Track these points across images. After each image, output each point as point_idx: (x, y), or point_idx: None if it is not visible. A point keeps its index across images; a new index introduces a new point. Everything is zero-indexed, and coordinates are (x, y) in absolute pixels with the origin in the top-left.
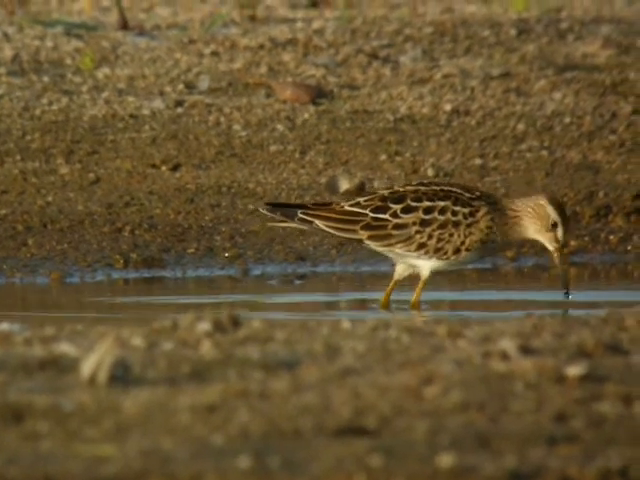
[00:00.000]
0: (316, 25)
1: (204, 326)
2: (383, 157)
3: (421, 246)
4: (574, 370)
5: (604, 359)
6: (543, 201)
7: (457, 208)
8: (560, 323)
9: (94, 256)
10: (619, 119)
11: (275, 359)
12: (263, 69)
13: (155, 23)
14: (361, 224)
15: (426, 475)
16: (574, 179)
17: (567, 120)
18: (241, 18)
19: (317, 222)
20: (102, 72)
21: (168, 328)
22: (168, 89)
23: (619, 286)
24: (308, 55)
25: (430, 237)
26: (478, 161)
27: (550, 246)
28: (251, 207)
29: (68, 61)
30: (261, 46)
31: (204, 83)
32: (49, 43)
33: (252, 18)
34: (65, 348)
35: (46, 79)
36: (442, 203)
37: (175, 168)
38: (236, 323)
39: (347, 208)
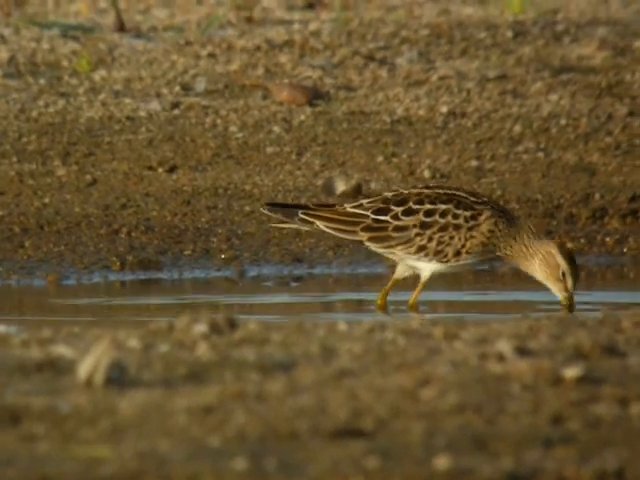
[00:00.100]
0: (312, 27)
1: (200, 328)
2: (380, 159)
3: (421, 248)
4: (571, 372)
5: (601, 361)
6: (554, 250)
7: (459, 211)
8: (557, 325)
9: (91, 258)
10: (615, 121)
11: (271, 361)
12: (260, 71)
13: (152, 25)
14: (362, 225)
15: (423, 477)
16: (570, 181)
17: (563, 122)
18: (238, 20)
19: (318, 223)
20: (99, 74)
21: (164, 330)
22: (165, 91)
23: (615, 288)
24: (304, 57)
25: (430, 240)
26: (474, 163)
27: (559, 294)
28: (247, 209)
29: (65, 63)
30: (258, 48)
31: (201, 85)
32: (45, 45)
33: (249, 20)
34: (62, 350)
35: (43, 81)
36: (443, 206)
37: (172, 170)
38: (232, 325)
39: (349, 209)
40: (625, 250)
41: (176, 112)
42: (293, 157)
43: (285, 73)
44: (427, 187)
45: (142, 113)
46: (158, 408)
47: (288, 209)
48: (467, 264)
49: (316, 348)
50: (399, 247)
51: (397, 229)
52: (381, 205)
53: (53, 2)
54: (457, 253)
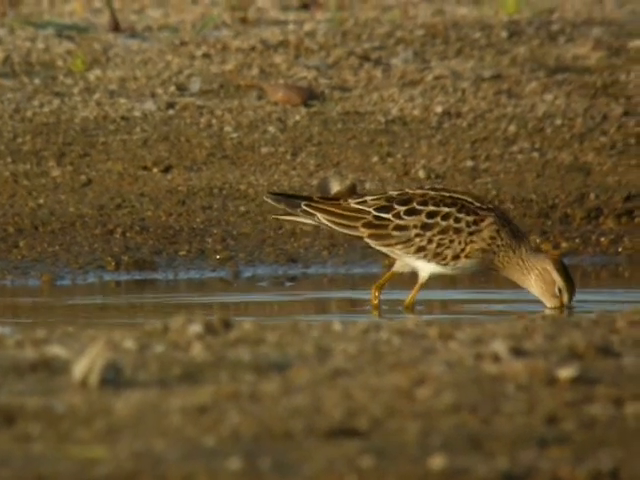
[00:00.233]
0: (307, 27)
1: (195, 328)
2: (374, 159)
3: (420, 249)
4: (565, 372)
5: (595, 361)
6: (549, 266)
7: (461, 215)
8: (551, 325)
9: (85, 258)
10: (610, 121)
11: (266, 361)
12: (254, 71)
13: (146, 25)
14: (363, 222)
15: (418, 477)
16: (565, 181)
17: (558, 122)
18: (232, 20)
19: (319, 215)
20: (93, 74)
21: (159, 330)
22: (159, 91)
23: (610, 288)
24: (299, 57)
25: (430, 241)
26: (469, 163)
27: (554, 310)
28: (242, 209)
29: (59, 63)
30: (252, 48)
31: (195, 85)
32: (40, 45)
33: (243, 20)
34: (56, 350)
35: (37, 81)
36: (446, 209)
37: (166, 170)
38: (227, 325)
39: (353, 205)
40: (620, 250)
41: (171, 112)
42: (288, 157)
43: (280, 73)
44: (433, 189)
45: (137, 113)
46: (153, 408)
47: (292, 199)
48: (466, 268)
49: (311, 348)
50: (398, 246)
51: (398, 228)
52: (385, 203)
53: (48, 2)
54: (456, 257)
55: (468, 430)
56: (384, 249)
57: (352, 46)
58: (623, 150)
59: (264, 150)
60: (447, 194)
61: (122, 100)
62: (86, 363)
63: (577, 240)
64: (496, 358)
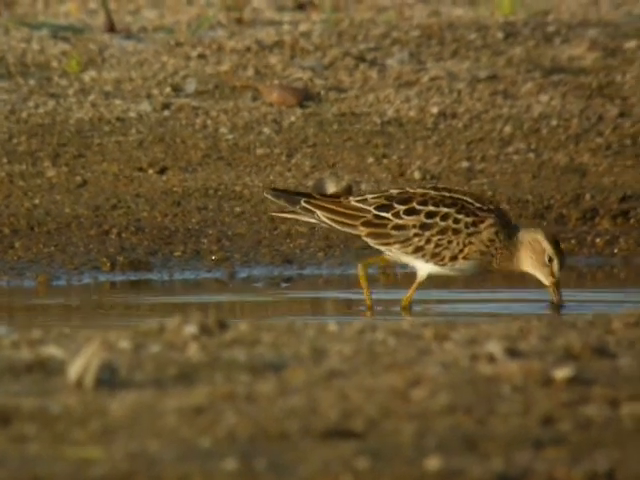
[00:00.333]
0: (303, 28)
1: (191, 329)
2: (370, 160)
3: (418, 249)
4: (561, 373)
5: (591, 362)
6: (540, 236)
7: (460, 216)
8: (547, 326)
9: (81, 259)
10: (605, 122)
11: (262, 362)
12: (250, 72)
13: (142, 26)
14: (362, 220)
15: (413, 478)
16: (561, 182)
17: (554, 123)
18: (228, 21)
19: (319, 213)
20: (89, 75)
21: (155, 331)
22: (155, 92)
23: (606, 289)
24: (295, 58)
25: (428, 241)
26: (465, 164)
27: (546, 281)
28: (238, 210)
29: (54, 64)
30: (248, 49)
31: (191, 86)
32: (35, 46)
33: (239, 21)
34: (52, 351)
35: (32, 82)
36: (446, 210)
37: (162, 171)
38: (223, 326)
39: (353, 203)
40: (616, 251)
41: (166, 113)
42: (283, 158)
43: (275, 74)
44: (435, 188)
45: (132, 114)
46: (149, 409)
47: (292, 196)
48: (464, 270)
49: (306, 349)
50: (396, 245)
51: (396, 227)
52: (385, 202)
53: (43, 3)
54: (454, 258)
55: (463, 431)
56: (382, 248)
57: (348, 47)
58: (619, 151)
59: (259, 151)
60: (448, 194)
61: (117, 101)
62: (81, 363)
63: (573, 241)
64: (491, 359)
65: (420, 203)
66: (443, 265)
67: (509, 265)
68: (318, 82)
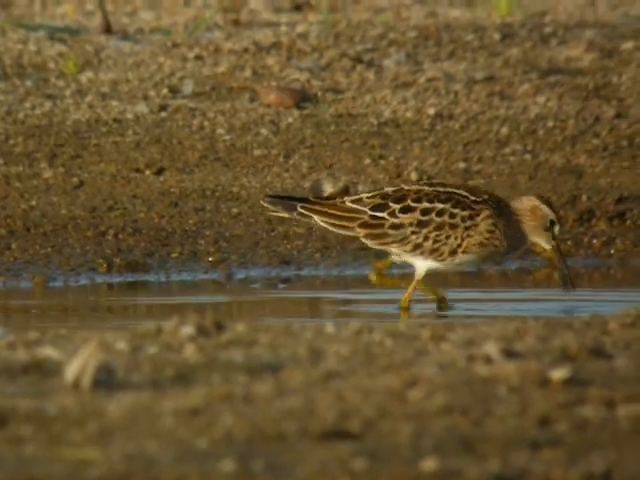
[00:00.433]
0: (300, 29)
1: (188, 330)
2: (367, 161)
3: (417, 247)
4: (558, 374)
5: (588, 363)
6: (537, 202)
7: (456, 211)
8: (543, 327)
9: (77, 260)
10: (602, 123)
11: (259, 363)
12: (247, 73)
13: (139, 27)
14: (359, 222)
15: (410, 478)
16: (557, 183)
17: (550, 124)
18: (225, 22)
19: (316, 217)
20: (85, 76)
21: (152, 332)
22: (152, 93)
23: (602, 290)
24: (292, 59)
25: (426, 238)
26: (462, 165)
27: (548, 245)
28: (235, 211)
29: (51, 65)
30: (245, 50)
31: (188, 87)
32: (32, 47)
33: (236, 22)
34: (49, 352)
35: (29, 83)
36: (441, 205)
37: (159, 172)
38: (220, 327)
39: (348, 204)
40: (612, 252)
41: (163, 114)
42: (281, 159)
43: (272, 75)
44: (429, 184)
45: (129, 115)
46: (146, 410)
47: (288, 202)
48: (464, 264)
49: (304, 350)
50: (395, 244)
51: (393, 227)
52: (380, 201)
53: (40, 4)
54: (453, 252)
55: (460, 432)
56: (381, 248)
57: (345, 48)
58: (615, 152)
59: (257, 152)
60: (442, 189)
61: (114, 102)
62: (78, 365)
63: (569, 242)
64: (488, 360)
65: (415, 200)
66: (443, 260)
67: (519, 243)
68: (315, 83)
